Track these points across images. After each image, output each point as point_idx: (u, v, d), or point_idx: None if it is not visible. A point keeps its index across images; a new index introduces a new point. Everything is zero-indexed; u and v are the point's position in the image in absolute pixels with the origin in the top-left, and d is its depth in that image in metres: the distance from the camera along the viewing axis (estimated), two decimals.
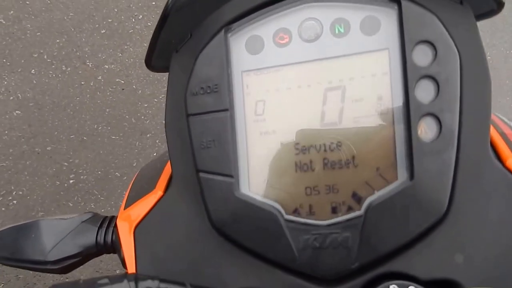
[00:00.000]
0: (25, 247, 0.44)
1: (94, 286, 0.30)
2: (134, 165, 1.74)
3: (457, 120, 0.32)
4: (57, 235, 0.44)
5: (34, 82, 1.77)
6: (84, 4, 1.84)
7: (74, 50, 1.81)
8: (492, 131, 0.37)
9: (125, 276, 0.30)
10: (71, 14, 1.83)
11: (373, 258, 0.33)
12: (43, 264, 0.43)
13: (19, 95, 1.75)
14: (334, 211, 0.34)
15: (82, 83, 1.79)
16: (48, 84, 1.77)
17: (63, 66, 1.80)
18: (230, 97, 0.36)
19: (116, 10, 1.85)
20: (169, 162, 0.42)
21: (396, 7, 0.34)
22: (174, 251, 0.38)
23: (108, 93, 1.79)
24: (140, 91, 1.78)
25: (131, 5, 1.86)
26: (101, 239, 0.43)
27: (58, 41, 1.81)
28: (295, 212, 0.35)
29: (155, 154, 1.75)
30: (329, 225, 0.34)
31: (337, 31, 0.35)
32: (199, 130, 0.36)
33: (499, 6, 0.34)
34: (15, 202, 1.68)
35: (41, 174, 1.72)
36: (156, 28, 0.37)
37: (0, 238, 0.45)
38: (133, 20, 1.85)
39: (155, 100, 1.77)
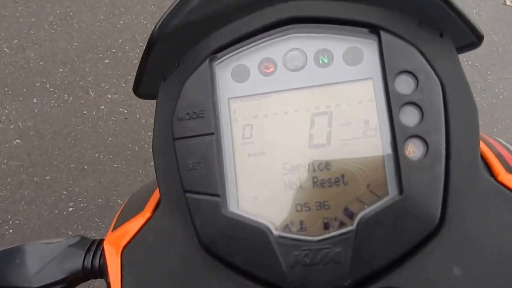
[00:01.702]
0: (8, 272, 0.42)
1: None
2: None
3: (443, 140, 0.33)
4: (42, 259, 0.42)
5: (36, 111, 1.76)
6: (88, 34, 1.87)
7: (77, 79, 1.82)
8: (487, 151, 0.38)
9: None
10: (75, 44, 1.85)
11: (366, 274, 0.33)
12: None
13: (19, 124, 1.74)
14: (326, 226, 0.34)
15: (84, 112, 1.79)
16: (50, 113, 1.77)
17: (66, 95, 1.80)
18: (216, 121, 0.37)
19: (120, 40, 1.88)
20: (156, 190, 0.42)
21: (376, 38, 0.35)
22: (161, 272, 0.37)
23: (111, 122, 1.79)
24: (143, 120, 1.78)
25: (136, 36, 1.89)
26: (88, 263, 0.42)
27: (61, 70, 1.82)
28: (286, 228, 0.35)
29: None
30: (319, 241, 0.33)
31: (321, 62, 0.37)
32: (185, 153, 0.36)
33: (479, 39, 0.36)
34: (11, 231, 1.63)
35: (39, 203, 1.68)
36: (142, 57, 0.38)
37: None
38: (138, 50, 1.88)
39: None
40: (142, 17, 1.94)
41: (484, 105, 2.06)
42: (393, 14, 0.36)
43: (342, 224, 0.34)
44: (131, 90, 1.82)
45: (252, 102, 0.37)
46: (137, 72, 0.39)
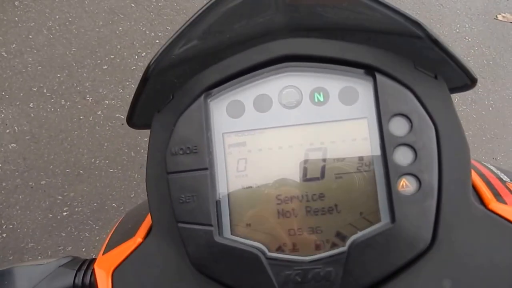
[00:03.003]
0: None
1: None
2: (132, 196, 1.71)
3: (436, 178, 0.34)
4: (31, 280, 0.42)
5: (32, 115, 1.76)
6: (87, 40, 1.87)
7: (75, 85, 1.82)
8: (478, 180, 0.40)
9: None
10: (73, 49, 1.85)
11: None
12: None
13: (15, 128, 1.73)
14: (318, 248, 0.35)
15: (81, 117, 1.79)
16: (46, 118, 1.76)
17: (63, 100, 1.80)
18: (210, 157, 0.37)
19: (119, 46, 1.88)
20: (148, 216, 0.43)
21: (372, 79, 0.36)
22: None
23: (107, 128, 1.79)
24: None
25: (134, 43, 1.90)
26: (79, 282, 0.42)
27: (59, 75, 1.81)
28: (278, 249, 0.36)
29: None
30: (311, 261, 0.34)
31: (316, 100, 0.37)
32: (178, 187, 0.36)
33: (473, 81, 0.37)
34: (4, 235, 1.62)
35: (33, 208, 1.66)
36: (137, 89, 0.38)
37: None
38: (136, 57, 1.88)
39: None
40: (141, 24, 1.95)
41: (474, 116, 2.10)
42: (389, 55, 0.36)
43: (334, 245, 0.35)
44: (128, 96, 1.83)
45: (247, 137, 0.37)
46: (132, 103, 0.39)
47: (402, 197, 0.34)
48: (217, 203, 0.37)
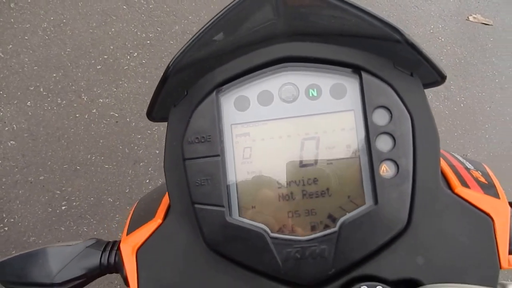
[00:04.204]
0: (32, 271, 0.46)
1: None
2: (126, 191, 1.80)
3: (411, 163, 0.39)
4: (63, 259, 0.46)
5: (30, 113, 1.82)
6: (81, 41, 1.94)
7: (70, 84, 1.89)
8: (446, 168, 0.45)
9: None
10: (68, 50, 1.92)
11: (347, 265, 0.39)
12: (50, 286, 0.46)
13: (14, 126, 1.80)
14: (313, 228, 0.39)
15: (77, 115, 1.86)
16: (43, 116, 1.83)
17: (59, 99, 1.87)
18: (221, 145, 0.41)
19: (112, 47, 1.95)
20: (166, 194, 0.47)
21: (358, 77, 0.41)
22: (172, 269, 0.42)
23: (102, 125, 1.86)
24: (133, 124, 1.87)
25: (126, 43, 1.97)
26: (104, 261, 0.47)
27: (54, 75, 1.88)
28: (279, 231, 0.40)
29: (147, 181, 1.82)
30: (308, 240, 0.39)
31: (310, 95, 0.41)
32: (194, 171, 0.40)
33: (442, 78, 0.41)
34: (6, 228, 1.69)
35: (33, 202, 1.73)
36: (157, 87, 0.42)
37: (8, 265, 0.47)
38: (128, 57, 1.95)
39: (149, 131, 1.86)
40: (133, 25, 2.01)
41: (447, 112, 2.23)
42: (373, 56, 0.41)
43: (326, 227, 0.39)
44: (122, 94, 1.92)
45: (252, 128, 0.41)
46: (152, 99, 0.43)
47: (383, 180, 0.38)
48: (227, 187, 0.40)
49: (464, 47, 2.39)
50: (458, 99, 2.26)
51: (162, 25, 2.03)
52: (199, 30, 0.39)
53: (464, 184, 0.42)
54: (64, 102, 1.86)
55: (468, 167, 0.48)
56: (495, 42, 2.48)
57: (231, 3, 0.39)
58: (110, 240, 0.49)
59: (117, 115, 1.88)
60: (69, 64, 1.90)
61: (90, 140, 1.84)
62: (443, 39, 2.39)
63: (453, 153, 0.53)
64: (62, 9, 1.94)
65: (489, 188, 0.43)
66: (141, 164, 1.84)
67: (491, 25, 2.51)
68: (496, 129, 2.24)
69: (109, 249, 0.47)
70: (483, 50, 2.44)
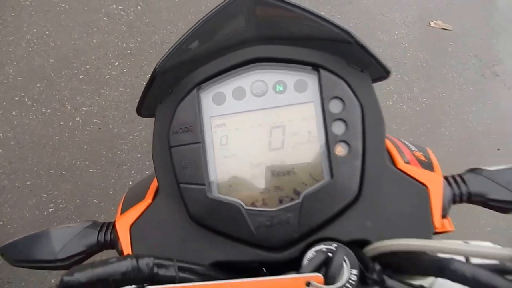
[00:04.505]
0: (38, 250, 0.50)
1: (106, 264, 0.36)
2: (111, 193, 1.88)
3: (361, 143, 0.45)
4: (64, 239, 0.51)
5: (15, 122, 1.91)
6: (64, 52, 2.02)
7: (54, 93, 1.97)
8: (392, 148, 0.51)
9: (129, 256, 0.38)
10: (51, 60, 2.00)
11: (309, 229, 0.44)
12: (54, 262, 0.50)
13: (0, 134, 1.89)
14: (281, 201, 0.45)
15: (61, 123, 1.95)
16: (29, 125, 1.91)
17: (43, 108, 1.95)
18: (202, 134, 0.46)
19: (94, 57, 2.05)
20: (154, 180, 0.52)
21: (317, 73, 0.47)
22: (162, 241, 0.47)
23: (86, 132, 1.96)
24: (116, 130, 1.97)
25: (108, 53, 2.07)
26: (101, 238, 0.51)
27: (38, 85, 1.97)
28: (252, 204, 0.45)
29: (130, 183, 1.91)
30: (277, 210, 0.44)
31: (277, 89, 0.47)
32: (179, 156, 0.46)
33: (387, 73, 0.48)
34: None
35: (21, 205, 1.81)
36: (145, 87, 0.47)
37: (15, 246, 0.52)
38: (110, 66, 2.05)
39: (131, 137, 1.96)
40: (113, 36, 2.11)
41: (410, 112, 2.39)
42: (329, 56, 0.46)
43: (292, 199, 0.45)
44: (104, 102, 2.02)
45: (228, 119, 0.47)
46: (140, 97, 0.48)
47: (338, 159, 0.44)
48: (208, 168, 0.46)
49: (426, 51, 2.56)
50: (420, 99, 2.42)
51: (142, 35, 2.13)
52: (180, 37, 0.44)
53: (406, 161, 0.48)
54: (49, 111, 1.95)
55: (412, 149, 0.54)
56: (455, 46, 2.65)
57: (207, 14, 0.44)
58: (105, 222, 0.54)
59: (100, 122, 1.98)
60: (52, 75, 1.99)
61: (75, 146, 1.93)
62: (406, 44, 2.55)
63: (401, 139, 0.59)
64: (45, 21, 2.03)
65: (426, 164, 0.50)
66: (124, 167, 1.94)
67: (451, 30, 2.69)
68: (455, 127, 2.41)
69: (105, 228, 0.52)
70: (443, 53, 2.61)
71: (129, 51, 2.09)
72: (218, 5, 0.44)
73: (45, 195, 1.87)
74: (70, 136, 1.94)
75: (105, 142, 1.95)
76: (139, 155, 1.95)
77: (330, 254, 0.40)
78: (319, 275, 0.37)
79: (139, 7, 2.18)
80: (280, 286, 0.37)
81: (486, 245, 0.36)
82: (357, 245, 0.44)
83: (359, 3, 2.59)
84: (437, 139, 2.37)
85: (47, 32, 2.02)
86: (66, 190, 1.88)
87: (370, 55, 0.45)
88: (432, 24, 2.66)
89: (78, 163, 1.92)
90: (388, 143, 0.50)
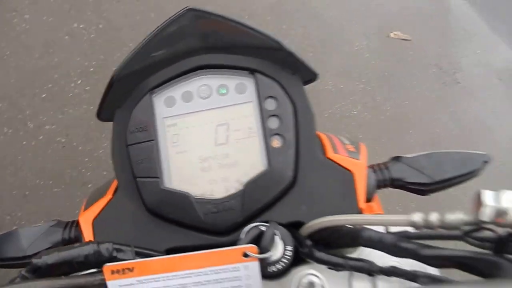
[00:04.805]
0: (7, 249, 0.54)
1: (70, 248, 0.42)
2: (76, 212, 1.87)
3: (294, 136, 0.51)
4: (31, 237, 0.55)
5: None
6: (26, 71, 2.06)
7: (16, 113, 2.00)
8: (326, 141, 0.57)
9: (91, 241, 0.43)
10: (12, 80, 2.04)
11: (251, 214, 0.50)
12: (23, 259, 0.54)
13: None
14: (226, 191, 0.51)
15: (24, 143, 1.97)
16: None
17: (5, 128, 1.98)
18: (155, 133, 0.52)
19: (56, 76, 2.09)
20: (114, 180, 0.56)
21: (254, 77, 0.53)
22: (122, 232, 0.52)
23: (50, 151, 1.98)
24: (80, 147, 2.00)
25: (70, 72, 2.11)
26: (66, 235, 0.56)
27: (0, 105, 2.00)
28: (201, 194, 0.51)
29: None
30: (222, 198, 0.50)
31: (221, 92, 0.53)
32: (135, 153, 0.52)
33: (315, 75, 0.54)
34: None
35: None
36: (104, 92, 0.53)
37: None
38: (72, 85, 2.09)
39: (95, 154, 1.99)
40: (76, 54, 2.16)
41: (374, 121, 2.50)
42: (265, 61, 0.53)
43: (236, 188, 0.51)
44: (67, 120, 2.06)
45: (178, 119, 0.53)
46: (100, 102, 0.54)
47: (274, 150, 0.51)
48: (161, 163, 0.52)
49: (387, 61, 2.69)
50: (384, 108, 2.53)
51: (104, 53, 2.19)
52: (133, 49, 0.51)
53: (336, 151, 0.55)
54: (11, 131, 1.98)
55: (345, 142, 0.60)
56: (415, 55, 2.80)
57: (156, 29, 0.51)
58: (69, 220, 0.59)
59: (64, 140, 2.01)
60: (14, 94, 2.02)
61: (38, 166, 1.96)
62: (368, 55, 2.67)
63: (339, 136, 0.64)
64: (6, 42, 2.07)
65: (354, 154, 0.56)
66: (89, 185, 1.97)
67: (410, 40, 2.84)
68: (419, 134, 2.52)
69: (69, 226, 0.57)
70: (404, 63, 2.74)
71: (91, 69, 2.14)
72: (165, 21, 0.51)
73: (8, 217, 1.87)
74: (33, 156, 1.96)
75: (69, 160, 1.98)
76: (105, 173, 1.98)
77: (263, 229, 0.46)
78: (253, 246, 0.43)
79: (100, 26, 2.25)
80: (220, 257, 0.42)
81: (393, 215, 0.42)
82: (293, 227, 0.49)
83: (321, 17, 2.72)
84: (402, 146, 2.47)
85: (7, 52, 2.06)
86: (30, 211, 1.89)
87: (299, 60, 0.53)
88: (392, 35, 2.80)
89: (42, 182, 1.94)
90: (323, 137, 0.58)
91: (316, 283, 0.34)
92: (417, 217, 0.37)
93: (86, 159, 1.99)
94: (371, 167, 0.58)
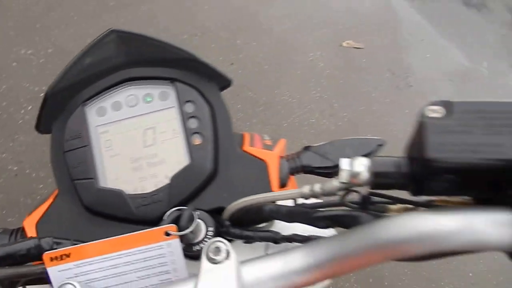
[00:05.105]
0: None
1: (14, 243, 0.48)
2: None
3: (211, 134, 0.58)
4: None
5: None
6: None
7: None
8: (247, 137, 0.63)
9: (32, 237, 0.50)
10: None
11: (177, 204, 0.55)
12: None
13: None
14: (155, 186, 0.57)
15: None
16: None
17: None
18: (88, 139, 0.58)
19: (5, 103, 2.08)
20: (55, 191, 0.60)
21: (174, 85, 0.60)
22: (63, 232, 0.55)
23: (1, 180, 1.96)
24: (34, 174, 1.99)
25: (19, 98, 2.11)
26: (12, 240, 0.59)
27: None
28: (134, 190, 0.57)
29: None
30: (151, 192, 0.57)
31: (146, 100, 0.60)
32: (71, 158, 0.58)
33: (229, 81, 0.62)
34: None
35: None
36: (40, 107, 0.59)
37: None
38: (23, 111, 2.09)
39: (50, 180, 1.98)
40: (25, 80, 2.16)
41: (333, 128, 2.59)
42: (184, 71, 0.60)
43: (163, 183, 0.57)
44: (19, 148, 2.05)
45: (110, 127, 0.60)
46: (37, 116, 0.60)
47: (195, 146, 0.58)
48: (95, 165, 0.58)
49: (342, 70, 2.81)
50: (341, 115, 2.63)
51: (54, 77, 2.17)
52: (64, 67, 0.59)
53: (252, 145, 0.62)
54: None
55: (265, 138, 0.67)
56: (368, 62, 2.94)
57: (83, 49, 0.59)
58: (14, 228, 0.62)
59: (15, 168, 1.99)
60: None
61: None
62: (322, 64, 2.79)
63: (262, 134, 0.70)
64: None
65: (269, 146, 0.63)
66: None
67: (363, 48, 2.98)
68: (378, 137, 2.61)
69: (15, 232, 0.60)
70: (358, 70, 2.87)
71: (41, 94, 2.10)
72: (92, 41, 0.59)
73: None
74: None
75: (22, 188, 1.96)
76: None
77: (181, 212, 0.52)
78: (173, 225, 0.49)
79: (49, 50, 2.27)
80: (145, 238, 0.48)
81: (288, 190, 0.49)
82: (217, 212, 0.56)
83: (274, 30, 2.84)
84: None
85: None
86: None
87: (213, 69, 0.61)
88: (344, 44, 2.94)
89: None
90: (246, 134, 0.65)
91: (222, 247, 0.40)
92: (305, 189, 0.46)
93: (41, 186, 1.98)
94: (285, 157, 0.65)
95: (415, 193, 0.39)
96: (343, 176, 0.41)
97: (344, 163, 0.42)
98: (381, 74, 2.91)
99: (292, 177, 0.65)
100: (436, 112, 0.36)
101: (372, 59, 2.95)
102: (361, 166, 0.41)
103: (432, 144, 0.35)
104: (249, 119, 2.39)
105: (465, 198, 0.40)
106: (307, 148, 0.66)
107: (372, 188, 0.42)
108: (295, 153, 0.66)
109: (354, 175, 0.41)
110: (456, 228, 0.33)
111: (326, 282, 0.59)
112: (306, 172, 0.65)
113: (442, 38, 3.44)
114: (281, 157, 0.63)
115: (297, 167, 0.64)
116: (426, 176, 0.36)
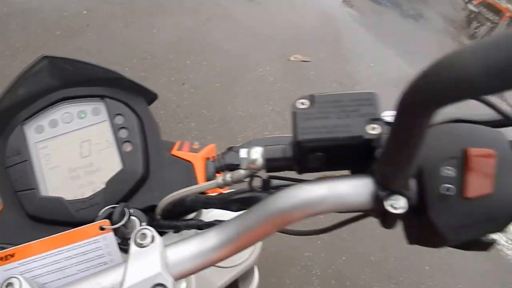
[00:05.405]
0: None
1: None
2: None
3: (141, 141, 0.63)
4: None
5: None
6: None
7: None
8: (178, 144, 0.68)
9: None
10: None
11: (113, 203, 0.59)
12: None
13: None
14: (93, 191, 0.61)
15: None
16: None
17: None
18: (28, 154, 0.61)
19: None
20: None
21: (104, 101, 0.64)
22: (9, 239, 0.58)
23: None
24: None
25: None
26: None
27: None
28: (74, 196, 0.60)
29: None
30: (89, 197, 0.60)
31: (81, 116, 0.64)
32: (13, 172, 0.61)
33: (156, 96, 0.66)
34: None
35: None
36: None
37: None
38: None
39: None
40: None
41: None
42: (113, 89, 0.65)
43: (100, 187, 0.61)
44: None
45: (48, 142, 0.63)
46: None
47: (126, 153, 0.62)
48: (36, 177, 0.61)
49: (291, 83, 2.95)
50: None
51: None
52: (1, 93, 0.63)
53: (180, 149, 0.67)
54: None
55: (195, 143, 0.72)
56: (316, 74, 3.11)
57: (17, 75, 0.62)
58: None
59: None
60: None
61: None
62: (272, 79, 2.92)
63: (193, 141, 0.75)
64: None
65: (195, 150, 0.68)
66: None
67: (309, 61, 3.14)
68: None
69: None
70: (307, 82, 3.03)
71: None
72: (26, 67, 0.63)
73: None
74: None
75: None
76: None
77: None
78: (106, 220, 0.53)
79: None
80: (82, 234, 0.51)
81: (207, 182, 0.54)
82: (151, 210, 0.60)
83: (222, 49, 2.96)
84: None
85: None
86: None
87: (139, 85, 0.66)
88: (292, 58, 3.10)
89: None
90: (177, 142, 0.70)
91: (147, 233, 0.46)
92: (219, 179, 0.52)
93: None
94: (211, 158, 0.70)
95: (299, 171, 0.47)
96: (244, 163, 0.49)
97: (243, 152, 0.49)
98: (329, 84, 3.07)
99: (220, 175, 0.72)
100: (303, 104, 0.45)
101: (319, 71, 3.11)
102: (256, 154, 0.48)
103: (300, 129, 0.42)
104: (204, 136, 2.46)
105: (345, 172, 0.47)
106: (230, 148, 0.72)
107: (267, 171, 0.49)
108: (220, 154, 0.72)
109: (252, 161, 0.48)
110: (325, 194, 0.42)
111: (251, 258, 0.66)
112: (230, 170, 0.71)
113: (385, 47, 3.66)
114: (207, 158, 0.68)
115: (222, 166, 0.70)
116: (302, 156, 0.44)
